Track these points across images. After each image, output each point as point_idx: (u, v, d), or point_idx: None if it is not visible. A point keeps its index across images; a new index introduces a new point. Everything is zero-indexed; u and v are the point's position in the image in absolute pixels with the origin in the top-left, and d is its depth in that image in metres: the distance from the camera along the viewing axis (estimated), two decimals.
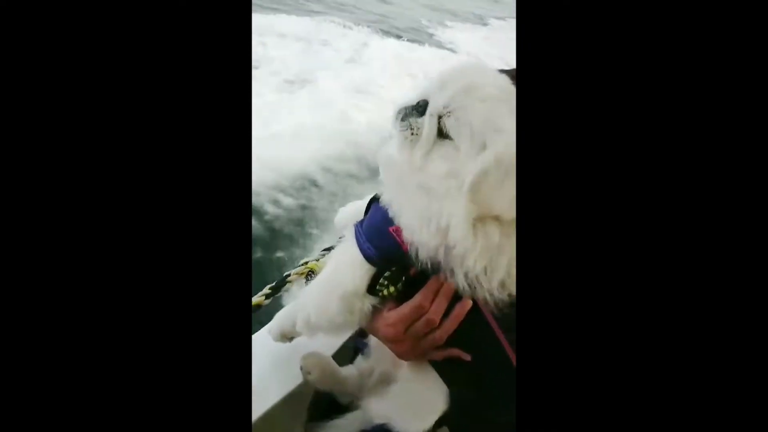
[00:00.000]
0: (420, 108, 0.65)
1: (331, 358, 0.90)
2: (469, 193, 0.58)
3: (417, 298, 0.66)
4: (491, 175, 0.57)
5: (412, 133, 0.64)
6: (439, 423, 0.72)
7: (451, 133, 0.62)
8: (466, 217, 0.58)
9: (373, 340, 0.83)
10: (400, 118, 0.67)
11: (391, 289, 0.67)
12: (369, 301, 0.69)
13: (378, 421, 0.75)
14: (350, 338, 0.97)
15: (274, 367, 0.90)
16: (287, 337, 0.85)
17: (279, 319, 0.85)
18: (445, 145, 0.62)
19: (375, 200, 0.71)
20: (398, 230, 0.63)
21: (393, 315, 0.68)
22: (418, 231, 0.61)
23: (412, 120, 0.65)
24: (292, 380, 0.89)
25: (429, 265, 0.62)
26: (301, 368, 0.88)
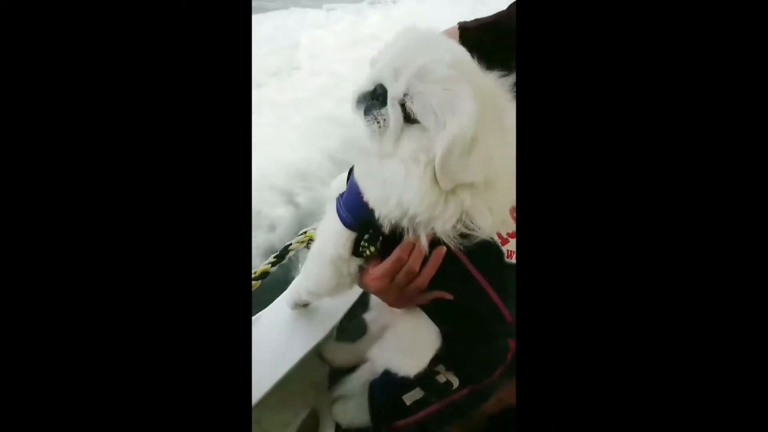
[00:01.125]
0: (379, 96, 0.67)
1: (343, 342, 1.02)
2: (439, 172, 0.63)
3: (396, 252, 0.72)
4: (455, 152, 0.61)
5: (379, 125, 0.66)
6: (436, 361, 0.79)
7: (418, 117, 0.64)
8: (434, 190, 0.64)
9: (372, 300, 0.92)
10: (363, 111, 0.68)
11: (372, 248, 0.74)
12: (355, 263, 0.77)
13: (381, 367, 0.84)
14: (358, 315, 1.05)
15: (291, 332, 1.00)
16: (300, 304, 1.00)
17: (290, 292, 0.99)
18: (412, 128, 0.65)
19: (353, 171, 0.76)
20: None
21: (377, 270, 0.75)
22: (383, 207, 0.67)
23: (375, 112, 0.67)
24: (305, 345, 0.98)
25: (397, 229, 0.69)
26: (324, 359, 1.01)
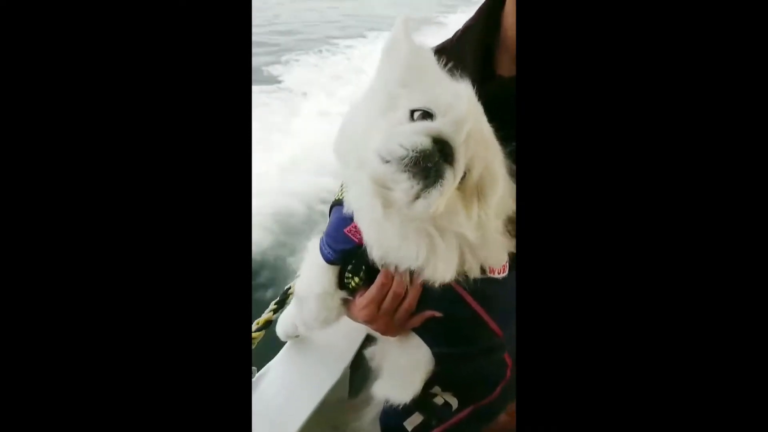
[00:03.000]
0: (444, 154, 0.58)
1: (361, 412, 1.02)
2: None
3: (379, 279, 0.73)
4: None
5: (433, 187, 0.58)
6: (432, 383, 0.80)
7: (468, 182, 0.63)
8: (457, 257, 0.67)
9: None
10: (417, 165, 0.58)
11: (356, 279, 0.75)
12: (339, 295, 0.78)
13: (381, 399, 0.84)
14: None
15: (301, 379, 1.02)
16: (291, 336, 1.04)
17: (281, 326, 1.03)
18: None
19: (335, 205, 0.78)
20: (352, 230, 0.70)
21: (363, 299, 0.76)
22: (384, 254, 0.68)
23: (441, 167, 0.58)
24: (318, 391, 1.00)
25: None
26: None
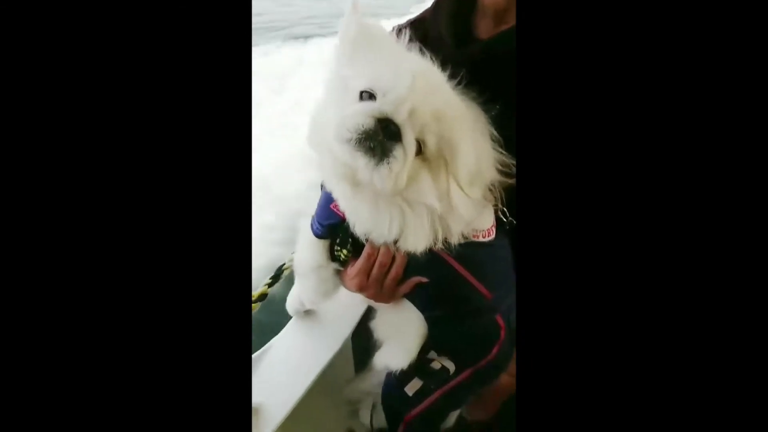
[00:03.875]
0: (389, 132, 0.61)
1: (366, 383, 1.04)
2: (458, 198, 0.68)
3: (366, 250, 0.78)
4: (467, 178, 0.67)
5: (386, 162, 0.61)
6: (427, 348, 0.82)
7: (428, 155, 0.66)
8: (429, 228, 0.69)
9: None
10: (356, 143, 0.61)
11: (344, 251, 0.80)
12: (332, 267, 0.83)
13: (382, 368, 0.87)
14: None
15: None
16: (300, 311, 1.07)
17: (289, 303, 1.07)
18: (417, 166, 0.66)
19: None
20: (337, 206, 0.74)
21: (353, 270, 0.81)
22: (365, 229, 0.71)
23: (386, 144, 0.61)
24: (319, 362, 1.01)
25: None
26: (353, 404, 1.05)
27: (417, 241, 0.69)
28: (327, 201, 0.76)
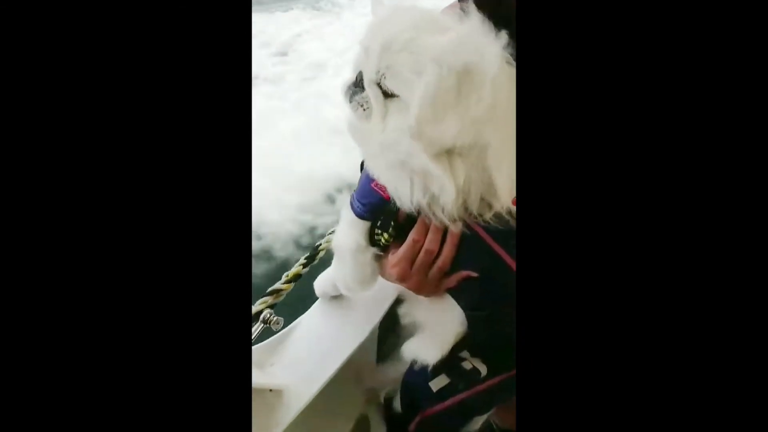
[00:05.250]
0: (359, 82, 0.67)
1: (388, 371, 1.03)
2: (417, 137, 0.61)
3: (411, 235, 0.71)
4: (429, 115, 0.60)
5: (363, 109, 0.66)
6: (461, 347, 0.78)
7: (395, 91, 0.63)
8: (428, 160, 0.62)
9: (405, 294, 0.90)
10: (348, 100, 0.69)
11: (385, 235, 0.73)
12: (371, 251, 0.77)
13: (408, 358, 0.83)
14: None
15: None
16: (328, 295, 1.03)
17: (318, 284, 1.02)
18: (396, 102, 0.64)
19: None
20: (379, 183, 0.70)
21: (395, 257, 0.74)
22: (393, 187, 0.67)
23: (357, 98, 0.67)
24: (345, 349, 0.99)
25: (413, 210, 0.68)
26: (376, 392, 1.04)
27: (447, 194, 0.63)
28: (368, 179, 0.72)
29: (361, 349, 1.00)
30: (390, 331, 1.08)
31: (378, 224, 0.74)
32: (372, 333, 1.04)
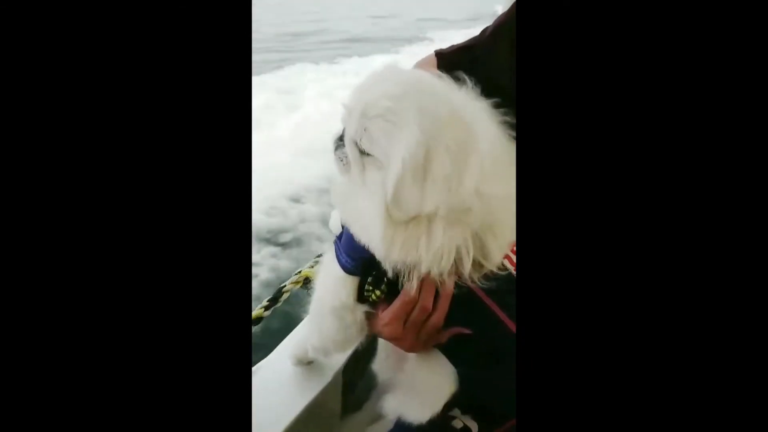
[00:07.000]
0: (342, 137, 0.69)
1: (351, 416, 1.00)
2: (391, 204, 0.61)
3: (404, 291, 0.68)
4: (405, 182, 0.59)
5: (343, 163, 0.69)
6: (452, 405, 0.75)
7: (371, 152, 0.64)
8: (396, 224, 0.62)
9: (380, 345, 0.86)
10: (334, 150, 0.71)
11: (377, 292, 0.69)
12: (360, 310, 0.72)
13: (393, 416, 0.79)
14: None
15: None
16: (303, 361, 0.97)
17: (293, 346, 0.97)
18: (373, 161, 0.65)
19: None
20: None
21: (387, 314, 0.70)
22: (370, 246, 0.65)
23: (339, 152, 0.70)
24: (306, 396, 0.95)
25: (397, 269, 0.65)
26: None
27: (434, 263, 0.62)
28: None
29: (325, 401, 0.96)
30: (355, 384, 1.04)
31: (369, 280, 0.70)
32: (335, 380, 0.99)
